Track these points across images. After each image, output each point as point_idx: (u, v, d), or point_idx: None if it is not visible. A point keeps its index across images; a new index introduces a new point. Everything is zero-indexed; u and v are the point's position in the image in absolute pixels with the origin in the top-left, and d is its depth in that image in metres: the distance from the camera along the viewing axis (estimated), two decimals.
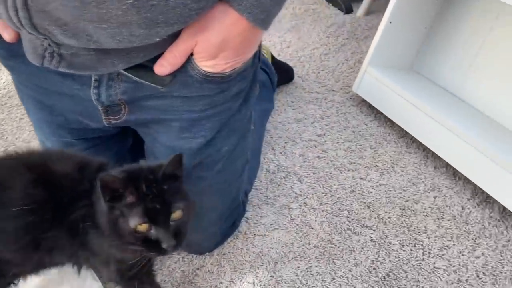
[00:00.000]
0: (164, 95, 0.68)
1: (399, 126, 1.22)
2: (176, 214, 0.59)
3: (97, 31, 0.52)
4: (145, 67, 0.63)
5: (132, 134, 0.88)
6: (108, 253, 0.64)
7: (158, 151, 0.79)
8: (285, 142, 1.20)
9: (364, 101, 1.32)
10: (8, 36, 0.59)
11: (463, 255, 0.95)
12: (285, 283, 0.88)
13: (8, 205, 0.58)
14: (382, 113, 1.26)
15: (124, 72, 0.63)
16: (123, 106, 0.70)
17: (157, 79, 0.64)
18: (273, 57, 1.35)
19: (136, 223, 0.56)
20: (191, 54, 0.62)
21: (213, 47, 0.60)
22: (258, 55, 0.76)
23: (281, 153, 1.17)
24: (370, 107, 1.31)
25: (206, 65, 0.64)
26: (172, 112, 0.71)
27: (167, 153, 0.78)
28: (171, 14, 0.53)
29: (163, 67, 0.62)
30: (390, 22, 1.20)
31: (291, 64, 1.49)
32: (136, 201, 0.56)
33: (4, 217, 0.59)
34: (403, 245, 0.96)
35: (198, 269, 0.89)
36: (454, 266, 0.92)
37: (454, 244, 0.97)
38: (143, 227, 0.56)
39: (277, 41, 1.61)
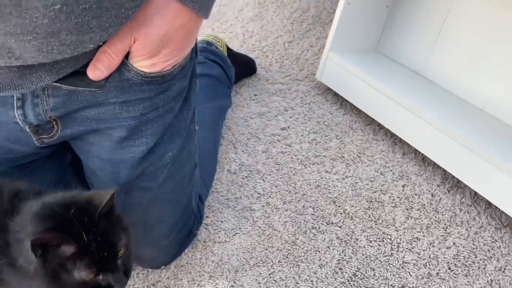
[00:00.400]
0: (99, 103, 0.61)
1: (365, 113, 1.16)
2: (121, 252, 0.53)
3: (20, 45, 0.45)
4: (75, 73, 0.56)
5: (70, 148, 0.81)
6: None
7: (96, 165, 0.73)
8: (248, 139, 1.14)
9: (329, 89, 1.26)
10: None
11: (433, 246, 0.90)
12: None
13: None
14: (347, 101, 1.21)
15: (53, 84, 0.56)
16: (54, 122, 0.62)
17: (91, 83, 0.57)
18: (229, 49, 1.28)
19: (83, 276, 0.50)
20: (127, 54, 0.56)
21: (155, 43, 0.54)
22: (195, 49, 0.71)
23: (243, 151, 1.11)
24: (336, 95, 1.25)
25: (144, 65, 0.58)
26: (110, 120, 0.64)
27: (105, 167, 0.72)
28: (105, 17, 0.47)
29: (98, 71, 0.56)
30: (348, 3, 1.14)
31: (254, 54, 1.43)
32: (77, 250, 0.49)
33: None
34: (370, 241, 0.91)
35: (153, 285, 0.84)
36: (424, 260, 0.88)
37: (424, 235, 0.92)
38: (91, 278, 0.50)
39: (240, 32, 1.54)
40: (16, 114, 0.59)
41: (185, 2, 0.52)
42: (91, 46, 0.50)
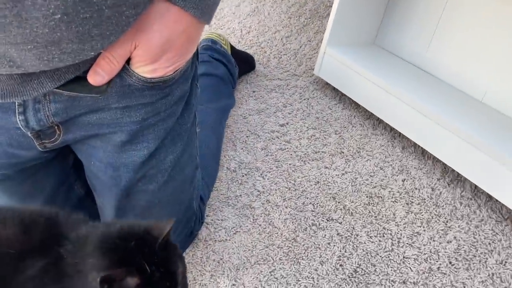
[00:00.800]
0: (101, 108, 0.62)
1: (364, 108, 1.16)
2: (180, 278, 0.53)
3: (21, 54, 0.45)
4: (77, 78, 0.55)
5: (73, 150, 0.81)
6: None
7: (98, 168, 0.73)
8: (247, 136, 1.14)
9: (327, 83, 1.26)
10: None
11: (434, 241, 0.90)
12: None
13: None
14: (346, 95, 1.20)
15: (54, 90, 0.56)
16: (56, 127, 0.62)
17: (92, 89, 0.57)
18: (232, 47, 1.27)
19: None
20: (128, 59, 0.56)
21: (156, 48, 0.54)
22: (196, 53, 0.70)
23: (242, 148, 1.11)
24: (334, 89, 1.25)
25: (145, 70, 0.57)
26: (112, 125, 0.65)
27: (107, 171, 0.72)
28: (106, 25, 0.46)
29: (98, 76, 0.55)
30: None
31: (251, 50, 1.42)
32: (141, 282, 0.49)
33: None
34: (370, 236, 0.91)
35: None
36: (425, 254, 0.88)
37: (424, 230, 0.92)
38: None
39: (237, 28, 1.53)
40: (18, 120, 0.59)
41: (186, 8, 0.52)
42: (92, 54, 0.50)
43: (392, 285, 0.83)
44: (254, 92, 1.27)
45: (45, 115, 0.59)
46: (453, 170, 1.01)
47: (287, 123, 1.17)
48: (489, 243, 0.89)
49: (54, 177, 0.77)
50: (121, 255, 0.50)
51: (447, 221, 0.93)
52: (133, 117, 0.64)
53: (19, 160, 0.68)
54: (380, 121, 1.16)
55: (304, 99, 1.24)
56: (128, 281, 0.48)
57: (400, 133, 1.10)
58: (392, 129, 1.13)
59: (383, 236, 0.91)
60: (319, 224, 0.94)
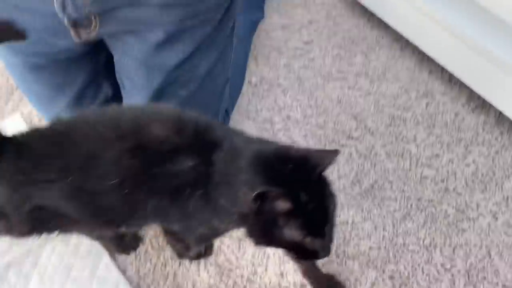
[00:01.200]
0: (140, 3, 0.61)
1: (393, 29, 1.11)
2: (330, 216, 0.51)
3: None
4: None
5: (105, 49, 0.80)
6: (211, 230, 0.57)
7: (130, 67, 0.73)
8: (269, 52, 1.11)
9: (356, 1, 1.20)
10: None
11: (452, 163, 0.90)
12: None
13: (104, 179, 0.50)
14: (375, 15, 1.15)
15: None
16: (93, 18, 0.62)
17: None
18: None
19: (293, 236, 0.48)
20: None
21: None
22: None
23: (264, 64, 1.09)
24: (363, 8, 1.19)
25: None
26: (149, 23, 0.64)
27: (140, 70, 0.72)
28: None
29: None
30: None
31: None
32: (293, 210, 0.47)
33: (99, 191, 0.52)
34: (389, 155, 0.92)
35: None
36: (442, 175, 0.89)
37: (444, 152, 0.92)
38: (300, 239, 0.49)
39: None
40: (56, 5, 0.59)
41: None
42: None
43: (407, 202, 0.85)
44: (278, 6, 1.22)
45: (83, 2, 0.58)
46: (478, 97, 0.99)
47: (311, 41, 1.14)
48: (508, 169, 0.90)
49: (85, 73, 0.77)
50: (276, 176, 0.47)
51: (467, 145, 0.93)
52: (171, 17, 0.63)
53: (53, 49, 0.69)
54: (409, 43, 1.11)
55: (331, 17, 1.19)
56: (280, 204, 0.47)
57: (428, 56, 1.06)
58: (420, 52, 1.09)
59: (402, 156, 0.92)
60: (339, 141, 0.94)
